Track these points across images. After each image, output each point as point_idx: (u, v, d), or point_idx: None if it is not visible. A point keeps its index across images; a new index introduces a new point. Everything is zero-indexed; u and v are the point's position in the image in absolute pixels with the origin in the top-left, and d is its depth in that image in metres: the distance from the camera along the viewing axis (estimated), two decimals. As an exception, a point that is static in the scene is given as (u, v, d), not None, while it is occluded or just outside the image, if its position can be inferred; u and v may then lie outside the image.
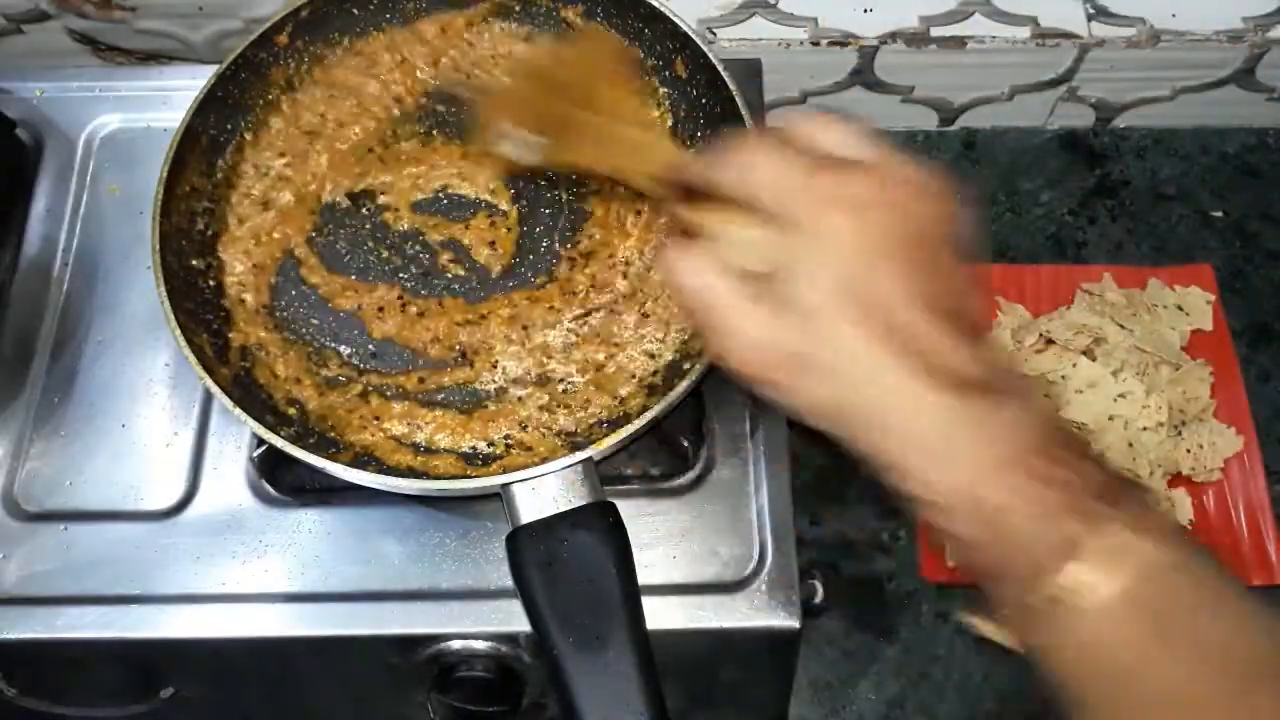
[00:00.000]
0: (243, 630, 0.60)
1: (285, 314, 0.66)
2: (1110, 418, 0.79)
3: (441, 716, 0.62)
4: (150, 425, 0.66)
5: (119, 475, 0.64)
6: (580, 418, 0.62)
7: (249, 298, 0.65)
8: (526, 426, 0.62)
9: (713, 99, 0.66)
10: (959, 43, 0.87)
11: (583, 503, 0.55)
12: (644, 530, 0.62)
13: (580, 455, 0.56)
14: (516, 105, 0.61)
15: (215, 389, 0.57)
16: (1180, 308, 0.86)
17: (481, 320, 0.65)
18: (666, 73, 0.69)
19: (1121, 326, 0.82)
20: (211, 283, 0.65)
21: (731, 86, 0.64)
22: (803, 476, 0.81)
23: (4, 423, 0.66)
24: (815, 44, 0.87)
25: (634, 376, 0.63)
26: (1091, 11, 0.87)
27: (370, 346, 0.65)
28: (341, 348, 0.65)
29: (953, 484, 0.40)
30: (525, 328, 0.64)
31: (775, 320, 0.41)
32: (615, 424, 0.61)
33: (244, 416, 0.56)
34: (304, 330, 0.65)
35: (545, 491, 0.55)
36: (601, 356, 0.64)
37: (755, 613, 0.60)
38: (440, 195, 0.69)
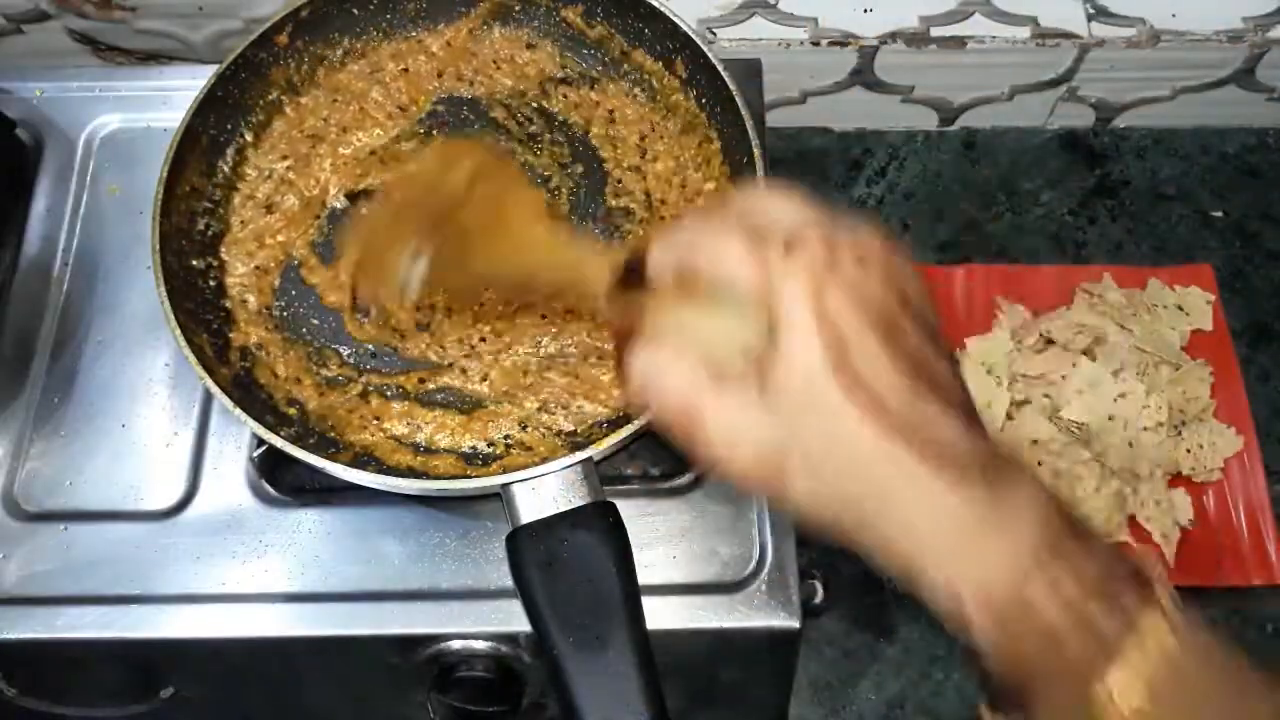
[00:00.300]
0: (243, 630, 0.60)
1: (285, 314, 0.66)
2: (1110, 418, 0.79)
3: (441, 716, 0.62)
4: (150, 425, 0.66)
5: (119, 475, 0.64)
6: (580, 418, 0.62)
7: (251, 298, 0.65)
8: (526, 426, 0.62)
9: (713, 99, 0.66)
10: (959, 43, 0.87)
11: (583, 503, 0.55)
12: (644, 530, 0.62)
13: (580, 455, 0.56)
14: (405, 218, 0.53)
15: (215, 389, 0.57)
16: (1180, 308, 0.86)
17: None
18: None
19: (1121, 326, 0.82)
20: (212, 283, 0.65)
21: (731, 86, 0.64)
22: (803, 476, 0.81)
23: (4, 423, 0.66)
24: (815, 44, 0.87)
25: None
26: (1091, 11, 0.87)
27: (370, 347, 0.65)
28: (341, 348, 0.65)
29: (977, 579, 0.37)
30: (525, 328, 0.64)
31: (766, 416, 0.37)
32: (615, 424, 0.61)
33: (244, 416, 0.56)
34: (304, 330, 0.65)
35: (545, 491, 0.55)
36: (598, 358, 0.64)
37: (755, 613, 0.60)
38: (440, 195, 0.69)
